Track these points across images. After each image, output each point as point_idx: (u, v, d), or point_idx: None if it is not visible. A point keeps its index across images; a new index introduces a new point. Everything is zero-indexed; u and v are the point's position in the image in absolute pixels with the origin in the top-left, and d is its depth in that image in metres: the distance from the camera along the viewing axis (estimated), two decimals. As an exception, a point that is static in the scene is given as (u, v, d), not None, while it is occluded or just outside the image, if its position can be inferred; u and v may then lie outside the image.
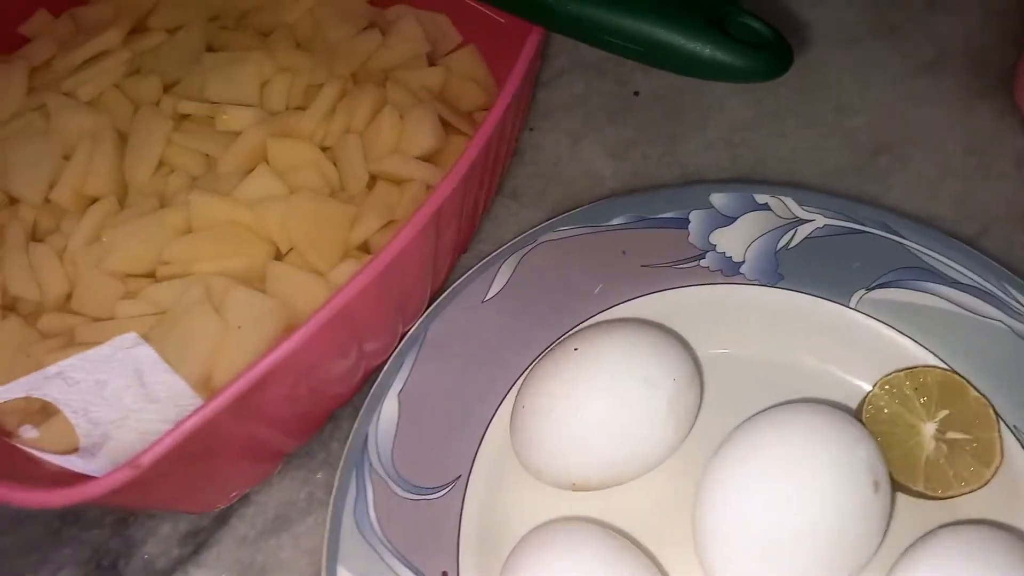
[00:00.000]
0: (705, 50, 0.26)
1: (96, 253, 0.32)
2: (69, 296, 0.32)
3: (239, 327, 0.29)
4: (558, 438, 0.28)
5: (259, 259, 0.32)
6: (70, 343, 0.30)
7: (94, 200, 0.33)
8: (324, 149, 0.34)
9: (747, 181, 0.34)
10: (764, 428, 0.27)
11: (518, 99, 0.30)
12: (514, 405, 0.29)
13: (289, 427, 0.29)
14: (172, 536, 0.32)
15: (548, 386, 0.28)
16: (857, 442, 0.26)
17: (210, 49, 0.37)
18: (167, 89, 0.36)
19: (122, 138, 0.35)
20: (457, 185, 0.26)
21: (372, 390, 0.30)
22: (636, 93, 0.42)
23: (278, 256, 0.32)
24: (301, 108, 0.35)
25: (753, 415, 0.28)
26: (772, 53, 0.26)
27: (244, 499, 0.32)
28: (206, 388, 0.29)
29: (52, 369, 0.30)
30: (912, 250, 0.32)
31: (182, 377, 0.29)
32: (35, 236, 0.33)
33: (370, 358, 0.30)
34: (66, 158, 0.34)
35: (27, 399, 0.29)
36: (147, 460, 0.22)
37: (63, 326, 0.31)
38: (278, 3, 0.38)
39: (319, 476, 0.32)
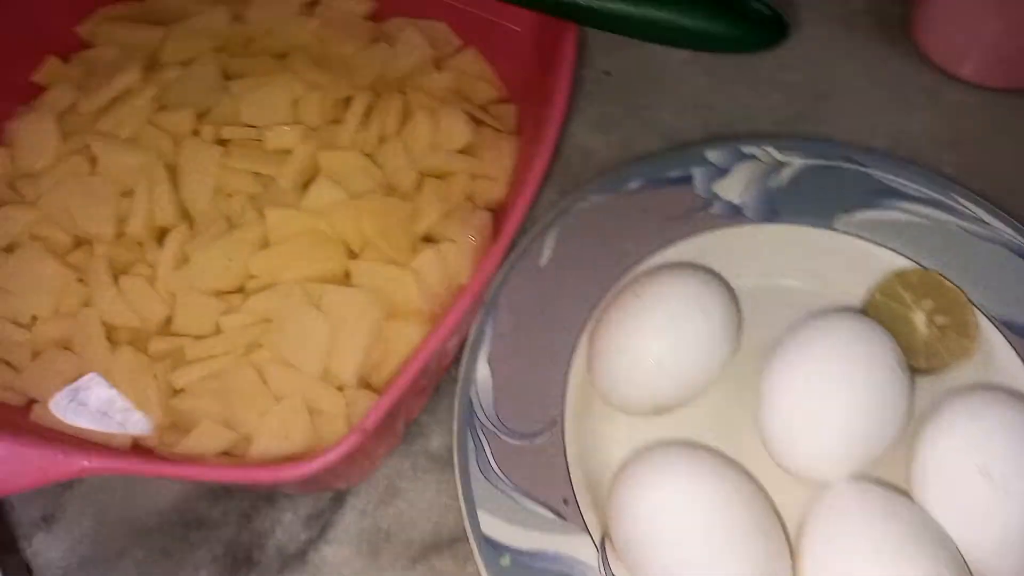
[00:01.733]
0: (720, 28, 0.31)
1: (187, 276, 0.34)
2: (169, 320, 0.34)
3: (344, 321, 0.33)
4: (636, 371, 0.33)
5: (338, 261, 0.35)
6: (181, 362, 0.33)
7: (164, 230, 0.36)
8: (367, 155, 0.38)
9: (731, 137, 0.40)
10: (805, 335, 0.33)
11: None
12: (590, 351, 0.34)
13: (420, 399, 0.33)
14: (296, 521, 0.35)
15: (619, 328, 0.33)
16: (878, 336, 0.33)
17: (228, 78, 0.40)
18: (200, 119, 0.38)
19: (172, 170, 0.37)
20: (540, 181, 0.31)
21: (464, 359, 0.34)
22: (607, 73, 0.47)
23: (353, 256, 0.35)
24: (336, 121, 0.38)
25: (791, 326, 0.34)
26: (773, 26, 0.32)
27: (354, 477, 0.36)
28: (327, 380, 0.33)
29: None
30: (875, 176, 0.39)
31: (305, 374, 0.32)
32: (116, 271, 0.35)
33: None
34: (125, 196, 0.36)
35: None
36: (370, 424, 0.26)
37: (171, 347, 0.33)
38: (282, 27, 0.41)
39: (415, 446, 0.36)
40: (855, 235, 0.38)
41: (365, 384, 0.33)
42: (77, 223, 0.35)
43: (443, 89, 0.40)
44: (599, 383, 0.34)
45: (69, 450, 0.28)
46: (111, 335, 0.34)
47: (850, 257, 0.38)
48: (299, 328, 0.33)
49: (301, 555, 0.34)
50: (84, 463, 0.27)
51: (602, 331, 0.34)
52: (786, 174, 0.39)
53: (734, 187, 0.39)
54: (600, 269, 0.37)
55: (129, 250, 0.35)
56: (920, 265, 0.37)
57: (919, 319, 0.35)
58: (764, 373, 0.33)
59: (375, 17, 0.43)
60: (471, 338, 0.35)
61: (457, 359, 0.35)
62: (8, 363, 0.33)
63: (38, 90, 0.40)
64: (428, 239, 0.36)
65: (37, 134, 0.38)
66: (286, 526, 0.35)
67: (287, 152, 0.37)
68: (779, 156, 0.40)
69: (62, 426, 0.32)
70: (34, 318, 0.34)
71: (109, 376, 0.33)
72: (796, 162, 0.40)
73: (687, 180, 0.39)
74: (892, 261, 0.37)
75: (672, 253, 0.37)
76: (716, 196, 0.39)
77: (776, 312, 0.36)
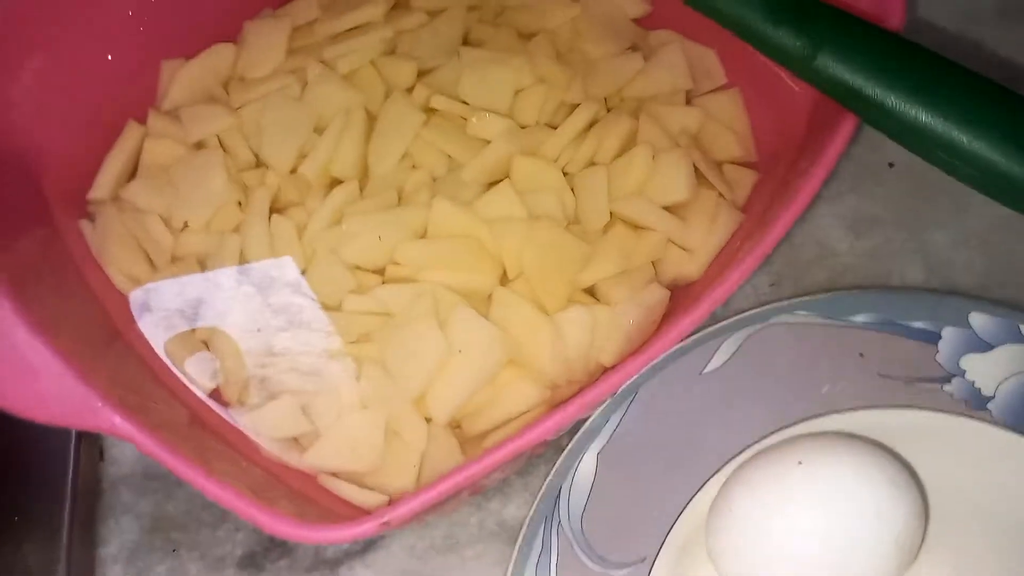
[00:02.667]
0: None
1: (334, 239, 0.32)
2: (301, 274, 0.32)
3: (460, 351, 0.29)
4: (768, 553, 0.26)
5: (488, 278, 0.31)
6: (294, 323, 0.31)
7: (337, 182, 0.34)
8: (566, 174, 0.33)
9: (1013, 305, 0.31)
10: None
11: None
12: (716, 501, 0.28)
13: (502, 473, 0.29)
14: (346, 527, 0.33)
15: (764, 495, 0.27)
16: None
17: (466, 42, 0.36)
18: (421, 76, 0.35)
19: (371, 119, 0.35)
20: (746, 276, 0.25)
21: (572, 443, 0.29)
22: (891, 164, 0.39)
23: (505, 279, 0.31)
24: (551, 125, 0.34)
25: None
26: None
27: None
28: (420, 407, 0.29)
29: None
30: None
31: (399, 389, 0.29)
32: (277, 206, 0.33)
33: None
34: (317, 132, 0.34)
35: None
36: (405, 513, 0.22)
37: (290, 303, 0.31)
38: (541, 5, 0.37)
39: (492, 504, 0.32)
40: None
41: (455, 425, 0.30)
42: (263, 144, 0.34)
43: (683, 128, 0.34)
44: (713, 544, 0.28)
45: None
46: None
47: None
48: (415, 338, 0.30)
49: (334, 565, 0.32)
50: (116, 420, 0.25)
51: (741, 486, 0.28)
52: (1070, 381, 0.30)
53: (991, 371, 0.30)
54: (774, 403, 0.30)
55: (297, 189, 0.34)
56: None
57: None
58: None
59: (645, 23, 0.37)
60: (589, 423, 0.30)
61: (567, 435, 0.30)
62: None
63: (286, -1, 0.39)
64: (591, 292, 0.31)
65: (267, 41, 0.37)
66: (335, 527, 0.33)
67: (486, 143, 0.33)
68: (1070, 355, 0.30)
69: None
70: (185, 224, 0.33)
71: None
72: (1091, 371, 0.30)
73: (933, 338, 0.31)
74: None
75: (868, 419, 0.30)
76: (962, 373, 0.30)
77: (972, 540, 0.28)
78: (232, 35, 0.37)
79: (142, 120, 0.35)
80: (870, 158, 0.39)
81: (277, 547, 0.32)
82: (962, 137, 0.24)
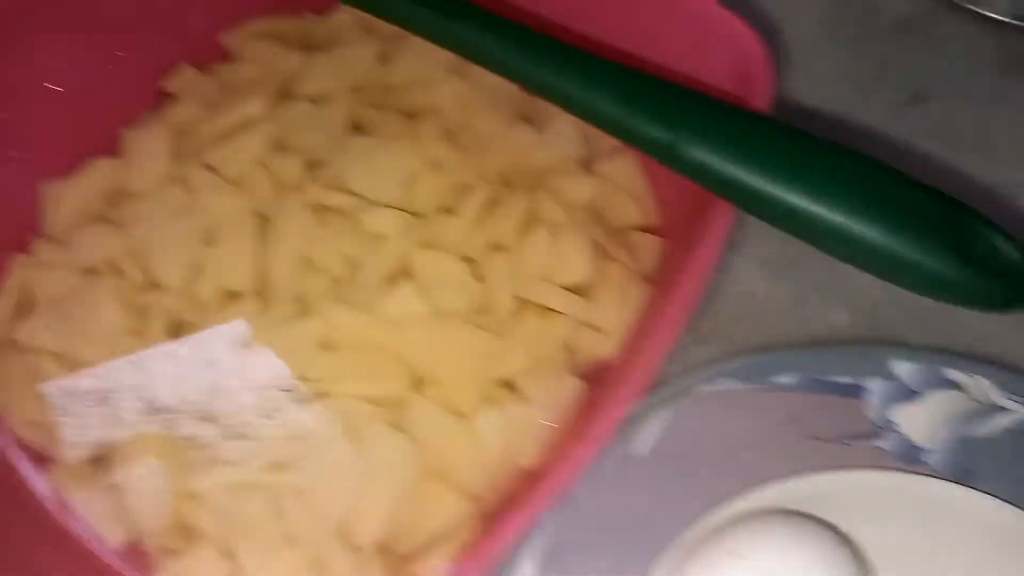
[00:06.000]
0: (946, 269, 0.22)
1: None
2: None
3: (380, 466, 0.28)
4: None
5: (399, 384, 0.30)
6: (206, 457, 0.30)
7: (235, 295, 0.32)
8: (470, 260, 0.32)
9: (937, 350, 0.31)
10: None
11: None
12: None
13: None
14: None
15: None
16: None
17: (355, 128, 0.35)
18: (311, 169, 0.34)
19: (264, 222, 0.33)
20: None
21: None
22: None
23: (416, 381, 0.30)
24: (447, 210, 0.33)
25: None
26: (1016, 282, 0.22)
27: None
28: (344, 534, 0.28)
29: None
30: None
31: (322, 518, 0.28)
32: (175, 328, 0.32)
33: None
34: (208, 243, 0.33)
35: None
36: None
37: (198, 435, 0.30)
38: (426, 82, 0.36)
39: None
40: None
41: (384, 549, 0.28)
42: (152, 263, 0.33)
43: (581, 199, 0.33)
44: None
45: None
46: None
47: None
48: (331, 462, 0.29)
49: None
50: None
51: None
52: (1000, 423, 0.29)
53: (920, 420, 0.29)
54: (704, 483, 0.29)
55: (193, 309, 0.32)
56: None
57: None
58: None
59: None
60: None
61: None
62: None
63: (167, 98, 0.37)
64: (508, 385, 0.30)
65: (148, 150, 0.35)
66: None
67: (382, 238, 0.32)
68: (995, 396, 0.29)
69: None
70: (76, 363, 0.32)
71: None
72: (1022, 412, 0.29)
73: (857, 393, 0.30)
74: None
75: (805, 486, 0.29)
76: (891, 426, 0.30)
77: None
78: (111, 148, 0.36)
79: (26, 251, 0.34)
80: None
81: None
82: (843, 221, 0.23)
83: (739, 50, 0.29)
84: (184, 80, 0.37)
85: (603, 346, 0.30)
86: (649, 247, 0.32)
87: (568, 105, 0.28)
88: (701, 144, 0.25)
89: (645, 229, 0.33)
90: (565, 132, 0.34)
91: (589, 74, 0.27)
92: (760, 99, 0.28)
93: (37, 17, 0.34)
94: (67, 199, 0.35)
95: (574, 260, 0.31)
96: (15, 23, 0.34)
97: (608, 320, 0.30)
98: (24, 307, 0.33)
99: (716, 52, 0.30)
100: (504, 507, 0.28)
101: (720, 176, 0.25)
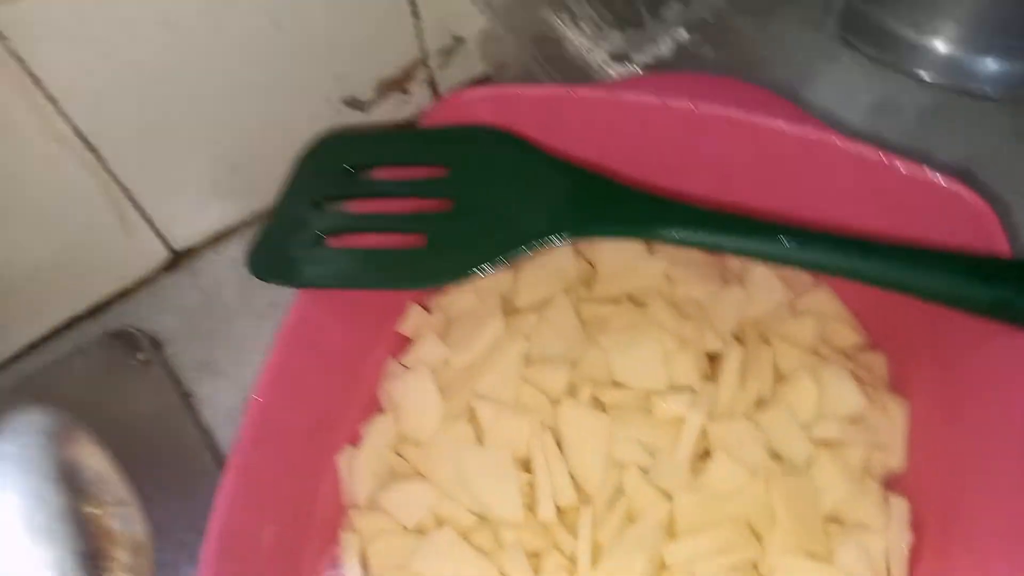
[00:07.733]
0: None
1: (607, 571, 0.33)
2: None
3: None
4: None
5: (749, 550, 0.34)
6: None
7: (562, 511, 0.35)
8: (748, 418, 0.37)
9: None
10: None
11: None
12: None
13: None
14: None
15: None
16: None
17: (582, 322, 0.38)
18: (571, 372, 0.37)
19: (553, 432, 0.36)
20: None
21: None
22: None
23: (759, 538, 0.34)
24: (707, 378, 0.37)
25: None
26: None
27: None
28: None
29: None
30: None
31: None
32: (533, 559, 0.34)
33: None
34: (525, 470, 0.35)
35: None
36: None
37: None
38: (628, 267, 0.40)
39: None
40: None
41: None
42: (481, 501, 0.35)
43: (808, 338, 0.39)
44: None
45: None
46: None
47: None
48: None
49: None
50: None
51: None
52: None
53: None
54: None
55: (536, 535, 0.35)
56: None
57: None
58: None
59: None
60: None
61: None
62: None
63: (404, 342, 0.39)
64: (834, 519, 0.35)
65: (419, 395, 0.37)
66: None
67: (678, 420, 0.36)
68: None
69: None
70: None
71: None
72: None
73: None
74: None
75: None
76: None
77: None
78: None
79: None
80: None
81: None
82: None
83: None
84: (416, 320, 0.40)
85: (892, 459, 0.36)
86: (876, 363, 0.39)
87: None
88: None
89: (865, 347, 0.39)
90: (767, 282, 0.39)
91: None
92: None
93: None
94: (360, 462, 0.36)
95: (844, 393, 0.36)
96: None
97: (885, 433, 0.36)
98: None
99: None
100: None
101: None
